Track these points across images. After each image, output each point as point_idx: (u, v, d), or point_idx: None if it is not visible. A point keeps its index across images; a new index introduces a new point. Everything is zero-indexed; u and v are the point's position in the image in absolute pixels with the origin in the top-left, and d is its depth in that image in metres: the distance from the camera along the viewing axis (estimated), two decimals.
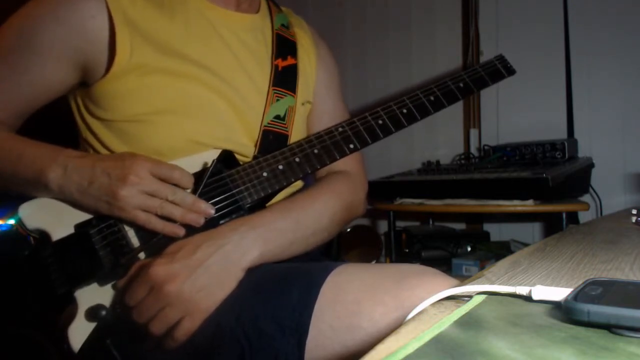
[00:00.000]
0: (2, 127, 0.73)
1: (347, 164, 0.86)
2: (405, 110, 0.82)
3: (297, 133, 0.84)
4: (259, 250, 0.66)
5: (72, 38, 0.69)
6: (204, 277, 0.61)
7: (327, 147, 0.77)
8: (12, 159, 0.69)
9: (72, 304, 0.65)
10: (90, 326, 0.64)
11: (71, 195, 0.66)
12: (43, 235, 0.68)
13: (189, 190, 0.68)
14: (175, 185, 0.67)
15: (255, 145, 0.78)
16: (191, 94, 0.72)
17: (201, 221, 0.67)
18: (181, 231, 0.66)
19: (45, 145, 0.70)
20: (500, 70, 0.94)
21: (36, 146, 0.69)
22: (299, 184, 0.88)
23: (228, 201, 0.71)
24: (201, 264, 0.62)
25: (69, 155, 0.67)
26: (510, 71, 0.96)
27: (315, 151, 0.76)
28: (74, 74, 0.72)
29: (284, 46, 0.86)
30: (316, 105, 0.90)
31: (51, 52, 0.70)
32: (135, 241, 0.68)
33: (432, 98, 0.85)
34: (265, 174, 0.73)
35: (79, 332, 0.64)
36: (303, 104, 0.86)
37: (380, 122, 0.80)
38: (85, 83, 0.73)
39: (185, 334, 0.61)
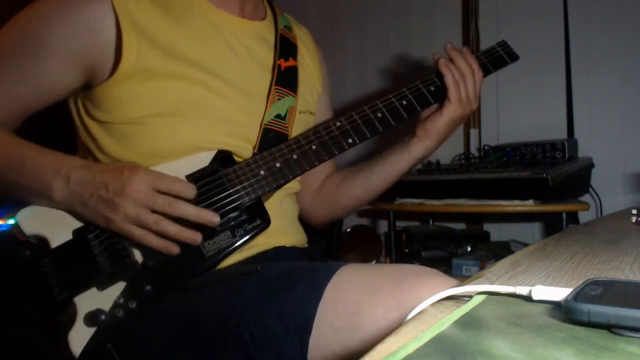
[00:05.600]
0: (1, 127, 0.72)
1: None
2: (404, 102, 0.81)
3: (297, 133, 0.83)
4: None
5: (80, 41, 0.69)
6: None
7: (325, 142, 0.76)
8: (14, 167, 0.68)
9: (71, 309, 0.65)
10: (90, 331, 0.64)
11: (74, 208, 0.66)
12: (41, 242, 0.67)
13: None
14: (177, 197, 0.66)
15: (256, 144, 0.77)
16: (190, 95, 0.72)
17: (198, 239, 0.66)
18: (175, 249, 0.65)
19: (48, 152, 0.68)
20: (503, 56, 0.91)
21: (38, 153, 0.68)
22: (297, 184, 0.88)
23: (225, 201, 0.70)
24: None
25: (72, 165, 0.66)
26: (514, 57, 0.92)
27: (313, 147, 0.75)
28: (79, 76, 0.71)
29: (286, 47, 0.86)
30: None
31: (58, 54, 0.69)
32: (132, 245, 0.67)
33: (432, 88, 0.84)
34: (262, 172, 0.72)
35: (79, 337, 0.63)
36: (302, 112, 0.86)
37: (379, 115, 0.79)
38: (87, 85, 0.73)
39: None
